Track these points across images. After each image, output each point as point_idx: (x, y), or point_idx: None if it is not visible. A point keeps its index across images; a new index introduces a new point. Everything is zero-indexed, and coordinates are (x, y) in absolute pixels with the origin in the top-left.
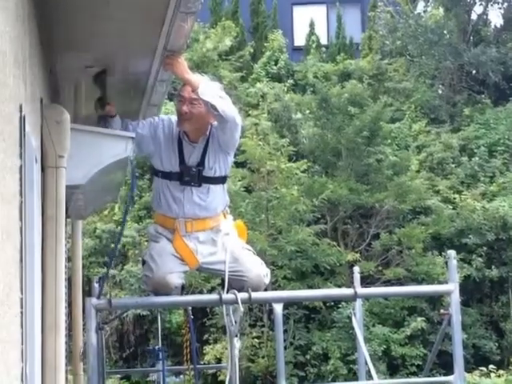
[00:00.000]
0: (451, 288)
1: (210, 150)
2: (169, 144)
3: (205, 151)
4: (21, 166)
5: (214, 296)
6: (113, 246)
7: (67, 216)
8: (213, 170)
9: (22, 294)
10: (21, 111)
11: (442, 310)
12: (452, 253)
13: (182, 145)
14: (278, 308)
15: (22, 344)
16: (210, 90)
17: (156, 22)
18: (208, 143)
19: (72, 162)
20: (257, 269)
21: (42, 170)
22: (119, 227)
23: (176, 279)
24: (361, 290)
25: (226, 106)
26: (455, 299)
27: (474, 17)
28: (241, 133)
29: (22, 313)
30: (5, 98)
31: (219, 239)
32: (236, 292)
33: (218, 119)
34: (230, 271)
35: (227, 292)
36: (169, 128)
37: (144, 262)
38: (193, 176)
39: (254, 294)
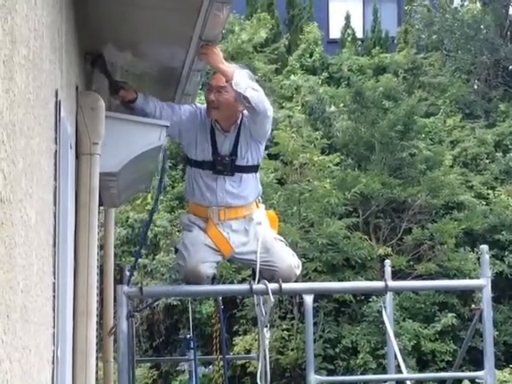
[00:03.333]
0: (483, 283)
1: (241, 139)
2: (203, 133)
3: (237, 140)
4: (56, 151)
5: (244, 286)
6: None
7: (100, 204)
8: (245, 159)
9: (54, 278)
10: (56, 96)
11: (473, 305)
12: (485, 247)
13: (215, 134)
14: (309, 299)
15: (54, 328)
16: (243, 81)
17: (191, 10)
18: (240, 132)
19: (106, 149)
20: (288, 259)
21: (77, 157)
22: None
23: (208, 269)
24: (392, 283)
25: (259, 98)
26: (487, 294)
27: (511, 12)
28: (274, 125)
29: (54, 297)
30: (41, 82)
31: (251, 228)
32: (267, 282)
33: (250, 111)
34: (261, 261)
35: (258, 282)
36: (204, 117)
37: (177, 251)
38: (226, 165)
39: (285, 285)
